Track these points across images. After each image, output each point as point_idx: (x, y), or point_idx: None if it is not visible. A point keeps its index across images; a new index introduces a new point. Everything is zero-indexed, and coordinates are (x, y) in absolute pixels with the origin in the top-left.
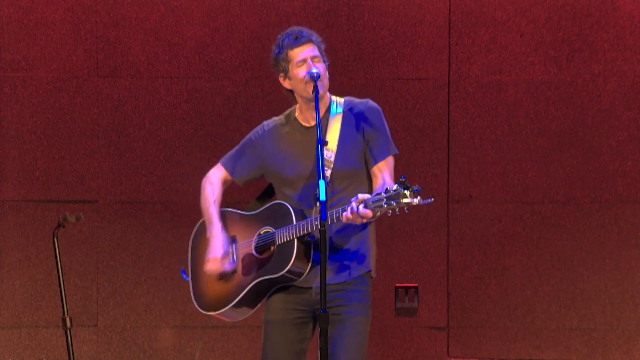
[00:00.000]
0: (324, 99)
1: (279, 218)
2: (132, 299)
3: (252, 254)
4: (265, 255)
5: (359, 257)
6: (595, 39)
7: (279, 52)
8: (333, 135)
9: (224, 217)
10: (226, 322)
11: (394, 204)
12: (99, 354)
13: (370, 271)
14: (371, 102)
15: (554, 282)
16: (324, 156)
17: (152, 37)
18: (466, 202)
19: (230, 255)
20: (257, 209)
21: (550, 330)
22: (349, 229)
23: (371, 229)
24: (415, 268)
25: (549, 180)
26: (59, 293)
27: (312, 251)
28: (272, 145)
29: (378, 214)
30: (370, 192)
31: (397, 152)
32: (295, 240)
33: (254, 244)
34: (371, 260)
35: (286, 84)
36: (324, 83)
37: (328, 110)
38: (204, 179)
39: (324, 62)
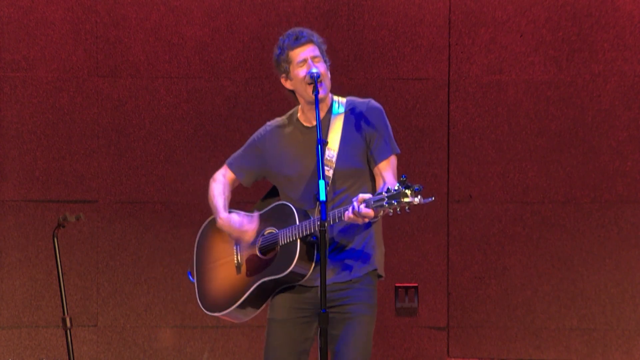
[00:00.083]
0: (325, 99)
1: (282, 219)
2: (132, 299)
3: (256, 255)
4: (269, 256)
5: (364, 256)
6: (595, 39)
7: (280, 53)
8: (335, 135)
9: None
10: (226, 322)
11: (395, 203)
12: (99, 354)
13: (376, 270)
14: (373, 102)
15: (554, 282)
16: (326, 156)
17: (152, 37)
18: (466, 202)
19: (254, 221)
20: (262, 210)
21: (550, 330)
22: (353, 228)
23: (376, 228)
24: (415, 268)
25: (549, 180)
26: (59, 293)
27: (315, 251)
28: (274, 145)
29: (381, 213)
30: (373, 191)
31: (400, 151)
32: (298, 241)
33: (258, 245)
34: (377, 259)
35: (288, 84)
36: (325, 83)
37: (330, 110)
38: (211, 179)
39: (325, 62)
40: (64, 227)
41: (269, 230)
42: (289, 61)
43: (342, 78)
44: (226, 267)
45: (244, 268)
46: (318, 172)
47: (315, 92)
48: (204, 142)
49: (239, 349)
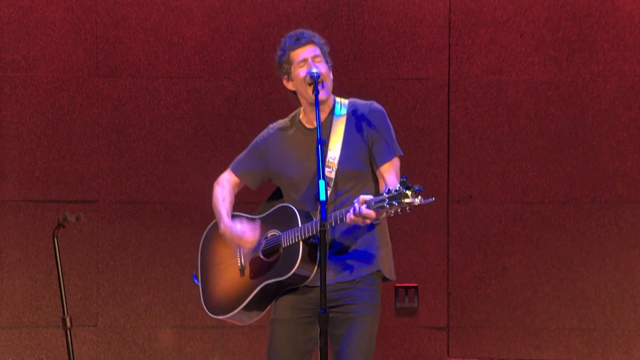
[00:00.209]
0: (327, 100)
1: (285, 221)
2: (132, 299)
3: (260, 257)
4: (272, 259)
5: (367, 256)
6: (595, 39)
7: (281, 54)
8: (337, 136)
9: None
10: (226, 322)
11: (396, 204)
12: (99, 354)
13: (379, 271)
14: (375, 104)
15: (554, 282)
16: (328, 158)
17: (152, 37)
18: (466, 202)
19: (257, 228)
20: (265, 212)
21: (550, 330)
22: (356, 229)
23: (380, 229)
24: (415, 268)
25: (549, 180)
26: (59, 293)
27: (318, 253)
28: (277, 148)
29: (383, 215)
30: (376, 193)
31: (402, 154)
32: (301, 243)
33: (261, 248)
34: (381, 261)
35: (290, 85)
36: (326, 84)
37: (332, 111)
38: (215, 183)
39: (327, 63)
40: (64, 227)
41: (272, 232)
42: (290, 62)
43: (342, 78)
44: (230, 270)
45: (247, 271)
46: (318, 172)
47: (315, 92)
48: (204, 142)
49: (239, 349)
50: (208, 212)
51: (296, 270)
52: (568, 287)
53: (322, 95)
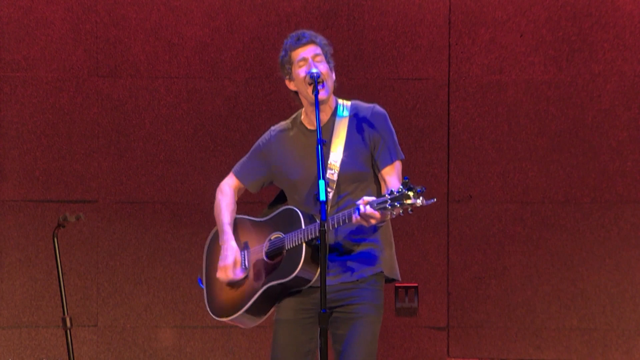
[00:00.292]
0: (329, 101)
1: (288, 223)
2: (132, 299)
3: (263, 260)
4: (276, 261)
5: (370, 257)
6: (595, 39)
7: (283, 54)
8: (339, 138)
9: (236, 224)
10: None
11: (398, 205)
12: (99, 354)
13: (382, 272)
14: (378, 107)
15: (554, 282)
16: (330, 160)
17: (152, 37)
18: (466, 202)
19: (241, 262)
20: (269, 215)
21: (550, 330)
22: (359, 231)
23: (384, 230)
24: (415, 268)
25: (549, 180)
26: (59, 293)
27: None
28: (279, 149)
29: (388, 216)
30: (378, 196)
31: (404, 157)
32: (304, 245)
33: (264, 250)
34: (384, 262)
35: (291, 86)
36: (327, 84)
37: (335, 113)
38: (217, 189)
39: (328, 63)
40: (64, 227)
41: (275, 234)
42: (291, 62)
43: (342, 78)
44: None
45: (251, 273)
46: (318, 172)
47: (315, 92)
48: (204, 142)
49: (239, 349)
50: (208, 212)
51: (299, 272)
52: (568, 287)
53: (322, 95)
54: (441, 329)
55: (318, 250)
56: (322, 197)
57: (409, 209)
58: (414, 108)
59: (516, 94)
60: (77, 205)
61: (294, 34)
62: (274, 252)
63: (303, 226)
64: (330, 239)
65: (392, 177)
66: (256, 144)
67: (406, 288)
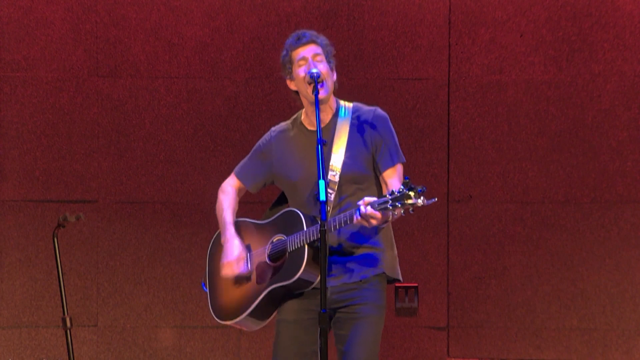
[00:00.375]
0: (329, 101)
1: (290, 225)
2: (132, 299)
3: (266, 262)
4: (278, 263)
5: (372, 258)
6: (595, 39)
7: (285, 54)
8: (341, 140)
9: (238, 226)
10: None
11: (399, 205)
12: (99, 354)
13: (384, 273)
14: (379, 110)
15: (554, 282)
16: (332, 162)
17: (152, 37)
18: (466, 202)
19: (245, 259)
20: (271, 217)
21: (550, 330)
22: (361, 232)
23: (385, 231)
24: (415, 268)
25: (549, 180)
26: (59, 293)
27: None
28: (279, 150)
29: (389, 217)
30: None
31: (405, 160)
32: (306, 246)
33: (267, 252)
34: (386, 263)
35: (292, 85)
36: (326, 83)
37: (336, 114)
38: (219, 190)
39: (329, 63)
40: (64, 227)
41: (277, 237)
42: (291, 61)
43: (342, 78)
44: (236, 275)
45: (254, 276)
46: (318, 171)
47: (315, 92)
48: (204, 142)
49: (239, 349)
50: (208, 212)
51: (301, 274)
52: (568, 287)
53: (321, 94)
54: (441, 329)
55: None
56: (322, 197)
57: (410, 209)
58: (414, 108)
59: (516, 94)
60: (77, 205)
61: (295, 33)
62: (277, 255)
63: (305, 228)
64: (333, 240)
65: (393, 180)
66: (256, 145)
67: (406, 288)
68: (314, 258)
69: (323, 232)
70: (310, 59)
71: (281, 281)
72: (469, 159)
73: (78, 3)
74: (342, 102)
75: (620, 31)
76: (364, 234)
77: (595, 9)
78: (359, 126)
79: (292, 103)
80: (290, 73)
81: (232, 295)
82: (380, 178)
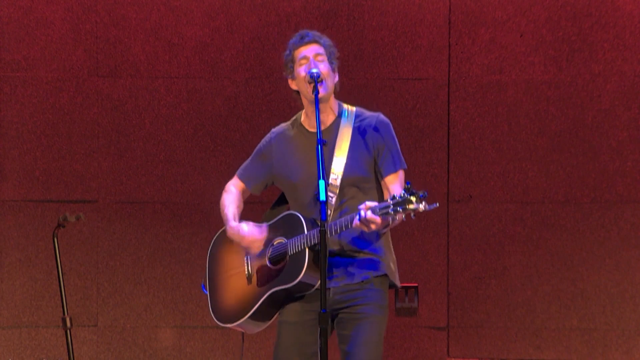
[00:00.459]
0: (330, 103)
1: (291, 228)
2: (132, 299)
3: (267, 265)
4: (279, 266)
5: (374, 260)
6: (595, 39)
7: (287, 53)
8: (343, 144)
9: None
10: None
11: (401, 210)
12: (99, 354)
13: (386, 275)
14: (382, 116)
15: (554, 282)
16: (333, 165)
17: (152, 37)
18: (466, 202)
19: (261, 237)
20: (272, 219)
21: (550, 330)
22: (361, 237)
23: (385, 238)
24: (415, 268)
25: (549, 180)
26: (59, 293)
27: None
28: (280, 152)
29: (390, 222)
30: (380, 202)
31: (407, 167)
32: (307, 250)
33: (267, 255)
34: (387, 266)
35: (293, 85)
36: (327, 83)
37: (339, 117)
38: (223, 191)
39: (331, 64)
40: (64, 227)
41: (278, 240)
42: (293, 60)
43: (342, 78)
44: (237, 278)
45: (254, 278)
46: (318, 171)
47: (315, 92)
48: (204, 142)
49: (238, 349)
50: (208, 212)
51: (302, 277)
52: (568, 287)
53: (320, 92)
54: (441, 329)
55: None
56: (322, 197)
57: (412, 214)
58: (414, 108)
59: (516, 94)
60: (77, 205)
61: (298, 33)
62: (277, 258)
63: (305, 231)
64: (334, 244)
65: (395, 186)
66: (257, 147)
67: (406, 288)
68: (315, 261)
69: (323, 232)
70: (312, 59)
71: (282, 284)
72: (469, 159)
73: (78, 3)
74: (345, 106)
75: (620, 31)
76: (364, 239)
77: (595, 9)
78: (361, 131)
79: (292, 103)
80: (292, 72)
81: (232, 297)
82: (382, 184)
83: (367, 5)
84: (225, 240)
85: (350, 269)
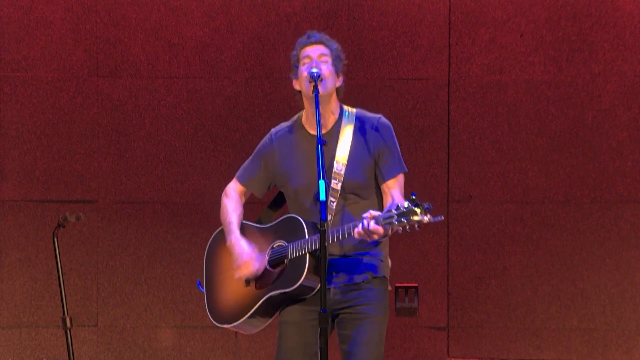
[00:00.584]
0: (331, 104)
1: (291, 231)
2: (132, 299)
3: (266, 268)
4: (278, 269)
5: (374, 261)
6: (595, 39)
7: (294, 53)
8: (344, 147)
9: (240, 229)
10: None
11: (405, 221)
12: (99, 354)
13: (384, 277)
14: (383, 118)
15: (554, 282)
16: (334, 169)
17: (152, 37)
18: (466, 202)
19: (256, 257)
20: (271, 220)
21: (550, 330)
22: (362, 242)
23: (384, 243)
24: (415, 268)
25: (549, 180)
26: (59, 293)
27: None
28: (282, 154)
29: (390, 232)
30: (380, 207)
31: (407, 170)
32: (307, 255)
33: (267, 258)
34: (385, 269)
35: (296, 85)
36: (326, 84)
37: (340, 119)
38: (222, 194)
39: (335, 66)
40: (64, 227)
41: (278, 243)
42: (298, 59)
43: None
44: (235, 279)
45: (253, 280)
46: (318, 171)
47: (315, 92)
48: (204, 142)
49: (238, 349)
50: (208, 212)
51: (302, 281)
52: (568, 287)
53: (320, 91)
54: (441, 329)
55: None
56: (322, 197)
57: (416, 225)
58: (414, 108)
59: (516, 94)
60: (77, 205)
61: (307, 32)
62: (277, 261)
63: (306, 236)
64: (334, 246)
65: (395, 190)
66: (257, 148)
67: (406, 288)
68: (315, 266)
69: (323, 232)
70: (315, 58)
71: (282, 288)
72: (469, 159)
73: (78, 3)
74: (345, 107)
75: (620, 31)
76: (365, 245)
77: (595, 9)
78: (363, 134)
79: (293, 103)
80: (296, 71)
81: (230, 298)
82: (382, 187)
83: (367, 5)
84: (223, 240)
85: (350, 270)
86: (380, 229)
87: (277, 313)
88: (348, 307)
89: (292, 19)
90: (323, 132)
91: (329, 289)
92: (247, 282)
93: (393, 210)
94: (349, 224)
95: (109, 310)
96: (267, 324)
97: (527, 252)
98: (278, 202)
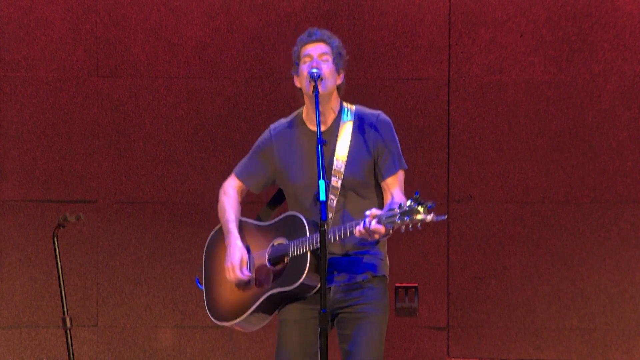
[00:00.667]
0: (331, 101)
1: (292, 230)
2: (132, 299)
3: (266, 266)
4: (278, 267)
5: (374, 260)
6: (595, 39)
7: (295, 50)
8: (343, 144)
9: (239, 226)
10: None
11: (407, 219)
12: (99, 354)
13: (384, 276)
14: (383, 115)
15: (554, 282)
16: (334, 167)
17: (152, 37)
18: (466, 202)
19: (246, 263)
20: (271, 218)
21: (550, 330)
22: (362, 242)
23: (383, 243)
24: (415, 268)
25: (549, 180)
26: (59, 293)
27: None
28: (280, 150)
29: (391, 231)
30: (380, 204)
31: (407, 167)
32: (309, 253)
33: (267, 256)
34: (385, 269)
35: (297, 82)
36: (326, 84)
37: (339, 116)
38: (220, 190)
39: (336, 65)
40: (64, 227)
41: (278, 240)
42: (299, 57)
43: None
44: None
45: (253, 278)
46: (318, 171)
47: (315, 92)
48: (204, 142)
49: (238, 349)
50: (208, 212)
51: (303, 280)
52: (568, 287)
53: (320, 91)
54: (441, 329)
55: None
56: (322, 197)
57: (418, 224)
58: (414, 108)
59: (516, 94)
60: (77, 205)
61: (308, 30)
62: (277, 259)
63: (308, 234)
64: (335, 245)
65: (395, 187)
66: (256, 144)
67: (406, 288)
68: (317, 265)
69: (323, 232)
70: (316, 57)
71: (282, 286)
72: (469, 159)
73: (78, 3)
74: (345, 104)
75: (620, 31)
76: (365, 243)
77: (595, 9)
78: (362, 130)
79: (293, 103)
80: (297, 69)
81: (230, 296)
82: (382, 184)
83: (367, 5)
84: (222, 237)
85: (350, 269)
86: (382, 229)
87: (277, 311)
88: (348, 307)
89: (292, 19)
90: (323, 129)
91: (329, 288)
92: (248, 280)
93: (396, 209)
94: (351, 222)
95: (109, 310)
96: (266, 322)
97: (527, 252)
98: (277, 200)
